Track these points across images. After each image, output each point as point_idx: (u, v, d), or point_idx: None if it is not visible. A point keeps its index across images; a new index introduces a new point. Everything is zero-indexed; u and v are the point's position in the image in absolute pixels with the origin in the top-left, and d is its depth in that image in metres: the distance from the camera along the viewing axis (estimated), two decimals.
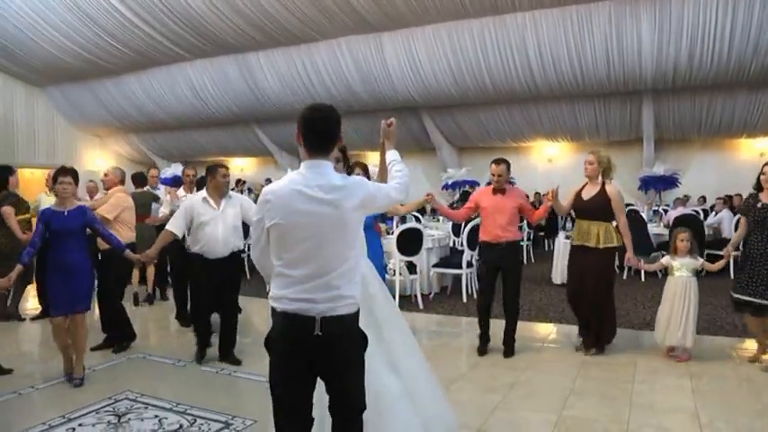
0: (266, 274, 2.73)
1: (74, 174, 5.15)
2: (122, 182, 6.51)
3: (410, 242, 7.80)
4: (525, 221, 11.78)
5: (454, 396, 4.53)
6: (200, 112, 17.47)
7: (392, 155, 3.02)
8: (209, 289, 5.38)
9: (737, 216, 7.96)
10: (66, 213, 4.90)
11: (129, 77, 17.22)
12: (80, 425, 4.07)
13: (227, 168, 5.47)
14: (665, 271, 5.69)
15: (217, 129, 18.67)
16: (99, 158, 20.31)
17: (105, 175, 6.64)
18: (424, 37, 13.27)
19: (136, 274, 8.29)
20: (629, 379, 4.87)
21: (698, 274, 5.55)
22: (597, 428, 3.89)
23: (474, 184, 14.49)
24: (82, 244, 5.01)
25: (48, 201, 7.24)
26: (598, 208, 5.47)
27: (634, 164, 14.52)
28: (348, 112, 13.48)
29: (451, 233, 10.01)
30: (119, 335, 6.01)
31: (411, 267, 8.04)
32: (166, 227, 5.39)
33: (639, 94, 13.33)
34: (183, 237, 5.68)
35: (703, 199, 13.86)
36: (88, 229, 5.09)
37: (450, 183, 15.61)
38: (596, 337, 5.58)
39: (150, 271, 8.38)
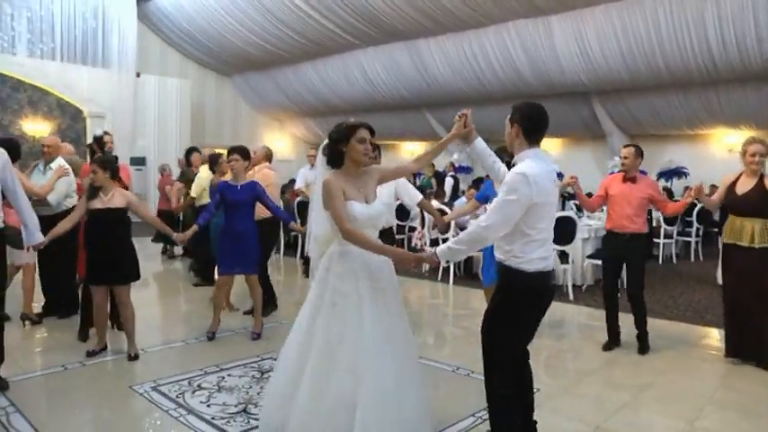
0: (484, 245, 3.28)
1: (241, 151, 5.67)
2: (269, 159, 7.07)
3: (563, 231, 7.68)
4: (696, 217, 11.22)
5: (582, 390, 4.53)
6: (372, 97, 18.13)
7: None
8: None
9: None
10: (239, 187, 5.50)
11: (305, 65, 18.33)
12: (229, 375, 4.69)
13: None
14: None
15: (388, 113, 19.16)
16: (278, 141, 21.84)
17: (254, 152, 7.09)
18: (594, 18, 12.76)
19: None
20: None
21: None
22: None
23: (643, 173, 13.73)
24: (250, 214, 5.61)
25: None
26: (755, 202, 5.00)
27: None
28: (518, 97, 13.36)
29: None
30: (267, 300, 6.48)
31: (563, 257, 7.95)
32: None
33: None
34: None
35: None
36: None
37: (616, 171, 14.89)
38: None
39: None
